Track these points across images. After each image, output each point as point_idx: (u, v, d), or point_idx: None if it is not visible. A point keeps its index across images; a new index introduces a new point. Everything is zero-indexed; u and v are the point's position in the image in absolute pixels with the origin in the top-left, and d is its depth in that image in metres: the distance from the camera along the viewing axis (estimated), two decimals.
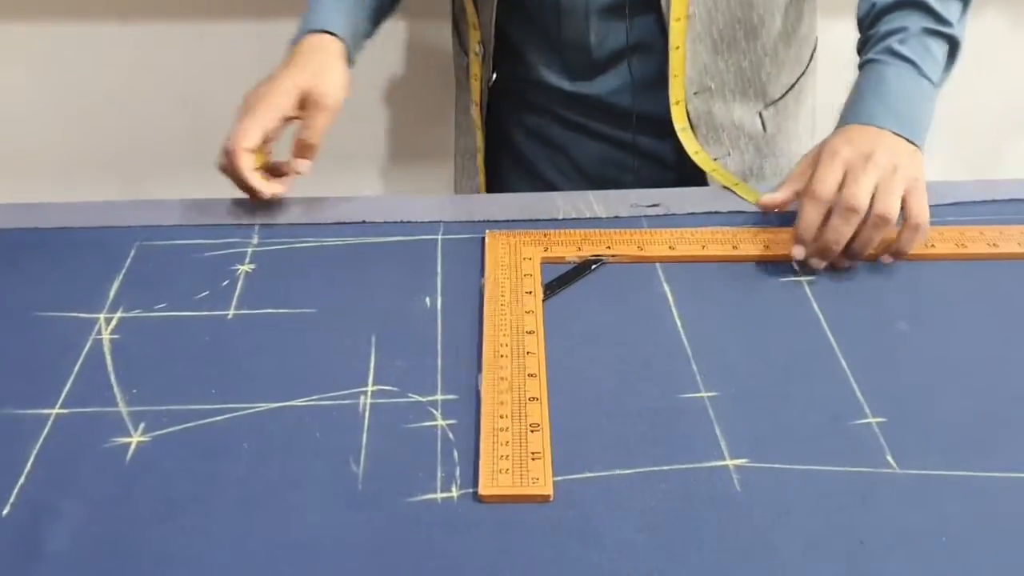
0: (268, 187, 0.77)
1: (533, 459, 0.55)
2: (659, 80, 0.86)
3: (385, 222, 0.78)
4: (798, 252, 0.72)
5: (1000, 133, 1.54)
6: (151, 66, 1.37)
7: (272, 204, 0.80)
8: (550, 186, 0.96)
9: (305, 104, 0.77)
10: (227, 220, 0.79)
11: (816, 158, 0.73)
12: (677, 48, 0.83)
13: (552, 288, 0.70)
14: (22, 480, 0.54)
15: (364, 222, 0.78)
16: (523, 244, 0.74)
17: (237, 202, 0.80)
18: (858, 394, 0.61)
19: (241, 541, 0.51)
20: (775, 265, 0.73)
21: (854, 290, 0.71)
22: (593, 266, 0.72)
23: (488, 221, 0.78)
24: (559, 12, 0.85)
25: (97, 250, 0.74)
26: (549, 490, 0.53)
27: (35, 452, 0.56)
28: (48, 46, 1.38)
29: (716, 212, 0.80)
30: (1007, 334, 0.66)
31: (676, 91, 0.85)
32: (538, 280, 0.70)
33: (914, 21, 0.77)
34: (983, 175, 0.90)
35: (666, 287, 0.71)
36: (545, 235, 0.75)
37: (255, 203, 0.78)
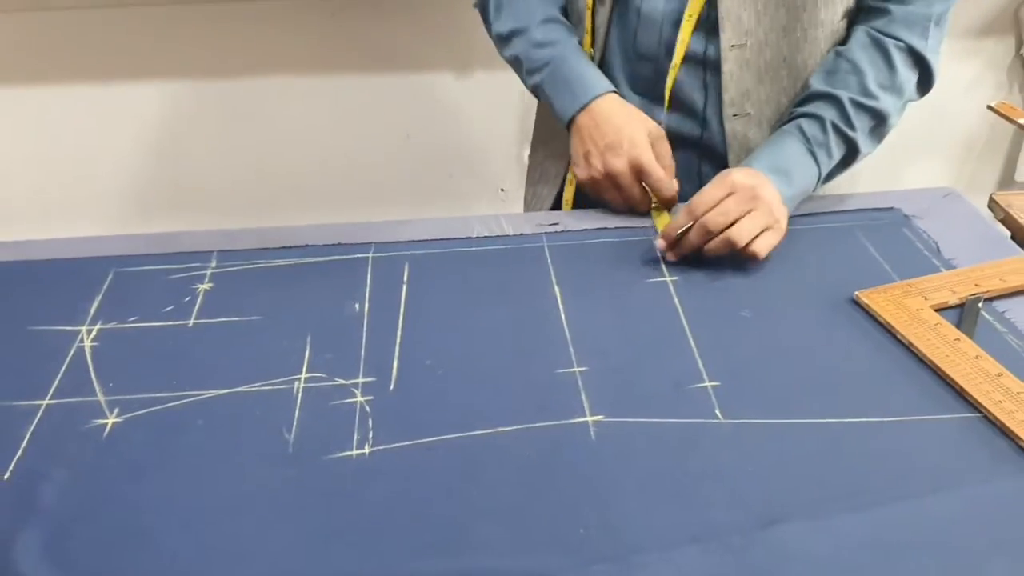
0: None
1: None
2: (705, 98, 1.00)
3: (325, 244, 0.92)
4: (660, 244, 0.88)
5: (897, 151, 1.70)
6: (126, 121, 1.52)
7: (229, 235, 0.93)
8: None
9: (652, 141, 0.95)
10: (190, 248, 0.92)
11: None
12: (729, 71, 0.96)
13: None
14: (19, 453, 0.68)
15: (307, 246, 0.92)
16: (902, 298, 0.81)
17: (199, 233, 0.94)
18: (700, 365, 0.75)
19: (196, 495, 0.64)
20: (650, 268, 0.87)
21: (711, 288, 0.85)
22: (979, 303, 0.81)
23: (412, 242, 0.92)
24: (639, 21, 0.99)
25: (79, 276, 0.88)
26: None
27: (29, 432, 0.69)
28: (33, 108, 1.54)
29: (604, 228, 0.95)
30: (827, 317, 0.81)
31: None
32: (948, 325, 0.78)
33: (828, 113, 0.93)
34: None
35: (556, 289, 0.85)
36: (908, 285, 0.83)
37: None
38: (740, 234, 0.85)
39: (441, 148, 1.76)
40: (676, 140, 1.01)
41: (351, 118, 1.69)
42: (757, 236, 0.86)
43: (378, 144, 1.73)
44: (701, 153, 1.03)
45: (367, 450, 0.67)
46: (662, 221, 0.93)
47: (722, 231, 0.85)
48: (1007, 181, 2.01)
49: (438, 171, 1.79)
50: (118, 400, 0.73)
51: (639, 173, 0.94)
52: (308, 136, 1.71)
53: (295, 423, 0.70)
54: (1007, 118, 1.18)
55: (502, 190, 1.84)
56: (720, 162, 1.01)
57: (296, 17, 1.57)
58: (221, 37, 1.55)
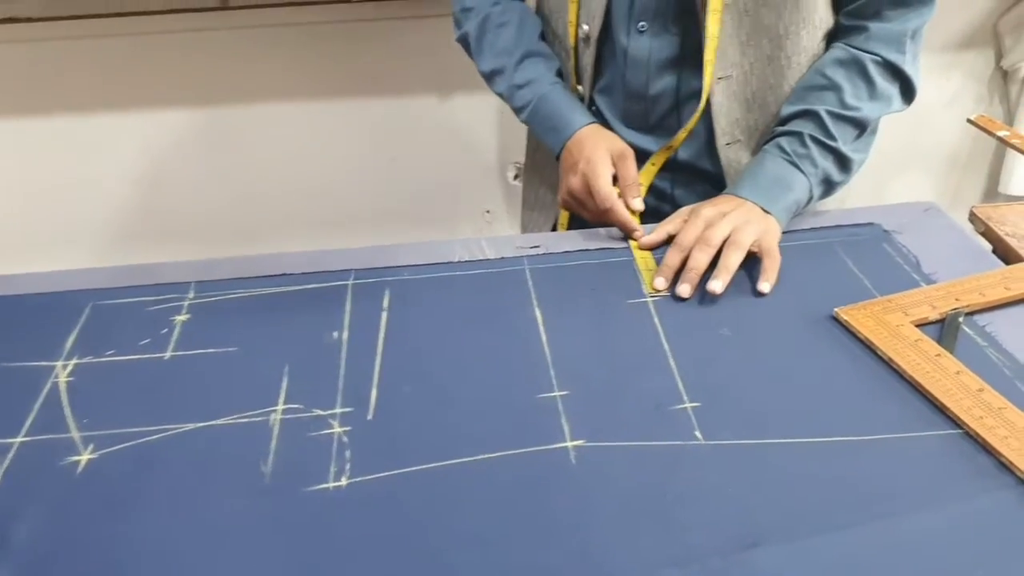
0: (636, 223, 0.95)
1: None
2: (700, 129, 1.01)
3: (303, 272, 0.91)
4: (659, 283, 0.87)
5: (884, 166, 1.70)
6: (109, 152, 1.52)
7: (207, 265, 0.93)
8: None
9: (615, 160, 0.97)
10: (169, 279, 0.91)
11: (686, 216, 0.91)
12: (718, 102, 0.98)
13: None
14: None
15: (285, 274, 0.91)
16: (882, 314, 0.80)
17: (177, 264, 0.94)
18: (680, 386, 0.74)
19: (172, 530, 0.63)
20: (630, 288, 0.87)
21: (691, 307, 0.85)
22: (960, 318, 0.80)
23: (391, 267, 0.92)
24: (626, 61, 1.01)
25: (56, 311, 0.87)
26: None
27: (2, 471, 0.68)
28: (12, 139, 1.53)
29: (585, 250, 0.94)
30: (807, 335, 0.80)
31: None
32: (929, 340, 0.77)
33: (806, 128, 0.94)
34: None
35: (537, 312, 0.84)
36: (888, 301, 0.82)
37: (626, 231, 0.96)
38: (739, 238, 0.86)
39: (426, 171, 1.76)
40: (682, 169, 1.04)
41: (335, 143, 1.70)
42: (756, 241, 0.87)
43: (363, 169, 1.73)
44: (706, 180, 1.04)
45: (344, 482, 0.67)
46: (641, 252, 0.93)
47: (715, 255, 0.87)
48: (991, 193, 2.02)
49: (423, 194, 1.79)
50: (93, 436, 0.72)
51: (590, 190, 0.96)
52: (292, 162, 1.71)
53: (271, 456, 0.69)
54: (987, 131, 1.18)
55: (487, 212, 1.84)
56: (723, 188, 1.02)
57: (278, 43, 1.57)
58: (202, 65, 1.56)
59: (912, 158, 1.94)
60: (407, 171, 1.74)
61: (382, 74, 1.64)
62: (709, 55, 0.95)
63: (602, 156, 0.97)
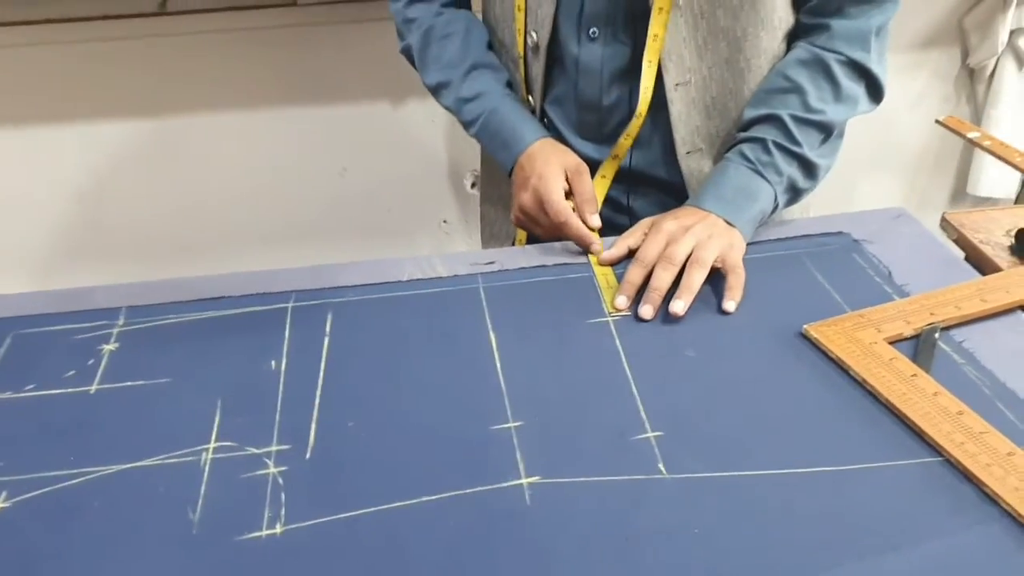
0: (594, 237, 0.90)
1: None
2: (659, 138, 0.96)
3: (242, 295, 0.86)
4: (621, 302, 0.82)
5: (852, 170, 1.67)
6: (44, 167, 1.45)
7: (141, 288, 0.87)
8: None
9: (569, 176, 0.93)
10: (97, 305, 0.85)
11: (647, 229, 0.87)
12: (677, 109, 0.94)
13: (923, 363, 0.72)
14: None
15: (222, 297, 0.86)
16: (853, 331, 0.76)
17: (107, 288, 0.87)
18: (642, 413, 0.69)
19: None
20: (590, 307, 0.82)
21: (653, 326, 0.80)
22: (936, 334, 0.76)
23: (336, 288, 0.86)
24: (578, 70, 0.96)
25: None
26: None
27: None
28: None
29: (543, 266, 0.89)
30: (775, 354, 0.76)
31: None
32: (904, 359, 0.73)
33: (769, 134, 0.90)
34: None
35: (492, 335, 0.79)
36: (860, 317, 0.78)
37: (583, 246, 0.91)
38: (702, 256, 0.82)
39: (379, 181, 1.70)
40: (640, 180, 1.00)
41: (283, 153, 1.64)
42: (720, 257, 0.84)
43: (313, 179, 1.67)
44: (667, 191, 1.00)
45: (279, 529, 0.61)
46: (601, 268, 0.89)
47: (677, 276, 0.83)
48: (959, 194, 2.00)
49: (377, 206, 1.73)
50: (6, 482, 0.66)
51: (544, 205, 0.92)
52: (239, 173, 1.64)
53: (201, 500, 0.64)
54: (956, 132, 1.15)
55: (444, 222, 1.79)
56: (685, 198, 0.97)
57: (221, 50, 1.51)
58: (140, 74, 1.49)
59: (878, 160, 1.91)
60: (360, 181, 1.69)
61: (332, 80, 1.58)
62: (651, 55, 0.91)
63: (555, 171, 0.92)
